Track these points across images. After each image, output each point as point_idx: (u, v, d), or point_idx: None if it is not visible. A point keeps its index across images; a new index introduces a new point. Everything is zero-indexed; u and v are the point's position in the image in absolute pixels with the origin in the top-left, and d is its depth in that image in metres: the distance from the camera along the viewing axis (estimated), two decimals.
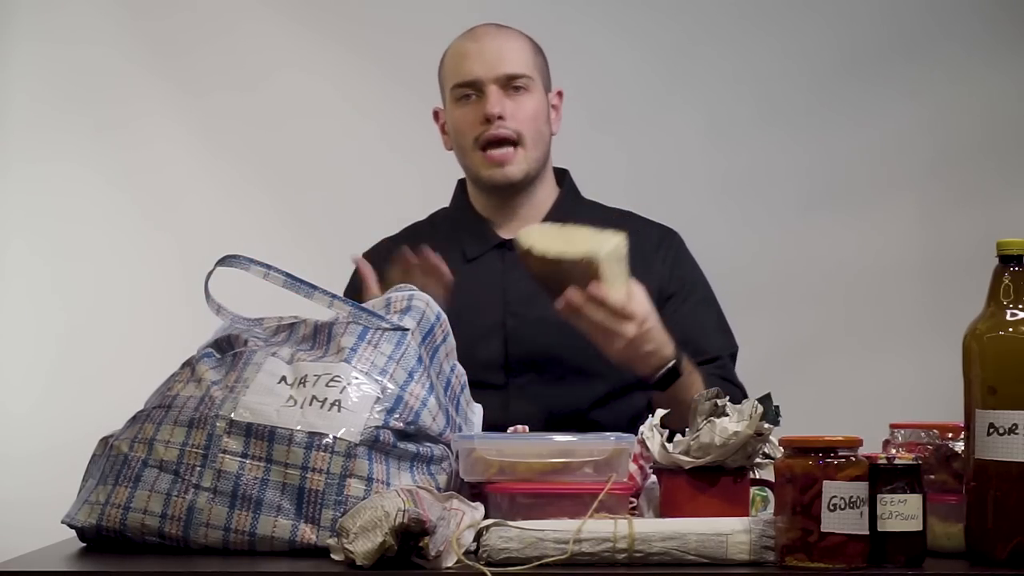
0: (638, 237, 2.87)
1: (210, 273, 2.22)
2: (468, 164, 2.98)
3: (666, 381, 2.70)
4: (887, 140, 3.87)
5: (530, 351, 2.88)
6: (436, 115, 3.06)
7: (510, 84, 2.92)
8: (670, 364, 2.69)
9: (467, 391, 2.39)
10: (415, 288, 2.34)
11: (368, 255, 2.99)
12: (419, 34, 3.82)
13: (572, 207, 3.02)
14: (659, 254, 3.00)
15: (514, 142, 2.92)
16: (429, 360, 2.24)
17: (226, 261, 2.22)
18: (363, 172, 3.84)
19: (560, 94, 3.05)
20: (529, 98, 2.94)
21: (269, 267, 2.23)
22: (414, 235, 3.02)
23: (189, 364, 2.22)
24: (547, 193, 3.02)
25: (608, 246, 2.60)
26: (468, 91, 2.94)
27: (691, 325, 2.91)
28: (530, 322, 2.89)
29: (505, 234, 2.98)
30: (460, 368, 2.37)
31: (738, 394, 2.84)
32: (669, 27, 3.88)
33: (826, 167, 3.87)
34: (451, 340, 2.33)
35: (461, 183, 3.09)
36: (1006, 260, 2.02)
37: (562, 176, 3.08)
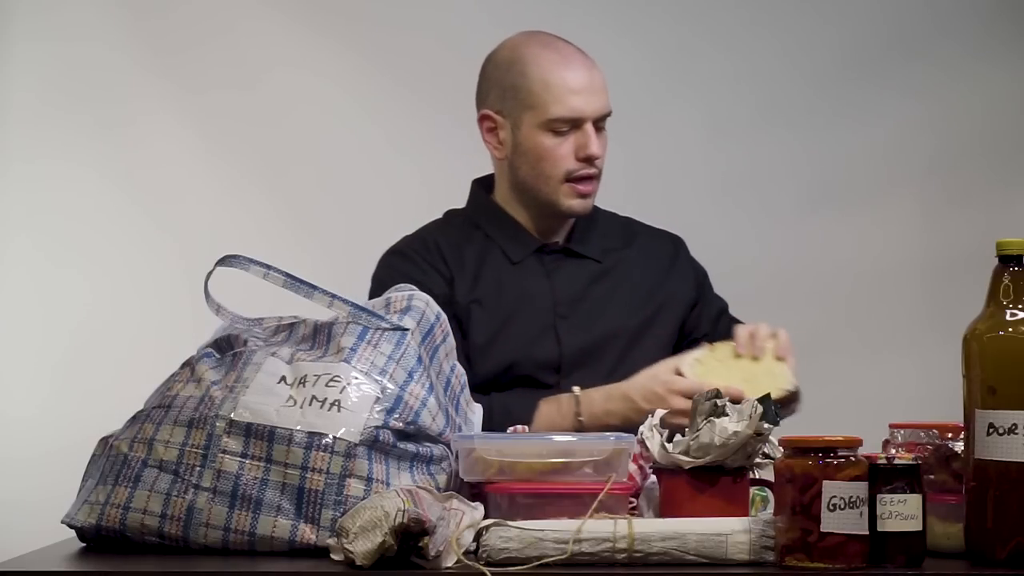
0: (652, 242, 3.06)
1: (210, 273, 2.22)
2: (545, 190, 2.95)
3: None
4: (887, 140, 3.87)
5: (581, 350, 2.92)
6: (485, 119, 2.99)
7: (600, 122, 2.94)
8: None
9: (467, 391, 2.39)
10: (414, 288, 2.34)
11: (415, 249, 2.98)
12: (420, 32, 3.82)
13: (594, 213, 3.04)
14: (680, 263, 3.07)
15: (599, 177, 2.96)
16: (429, 360, 2.24)
17: (226, 261, 2.22)
18: (364, 170, 3.84)
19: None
20: (605, 133, 2.97)
21: (269, 267, 2.23)
22: (451, 234, 3.01)
23: (189, 364, 2.22)
24: None
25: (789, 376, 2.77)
26: (566, 126, 2.91)
27: (722, 309, 3.09)
28: (580, 323, 2.93)
29: (544, 239, 3.00)
30: (460, 368, 2.37)
31: None
32: (669, 26, 3.88)
33: (826, 167, 3.87)
34: (451, 340, 2.33)
35: (480, 184, 3.07)
36: (1006, 260, 2.02)
37: None
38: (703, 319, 3.04)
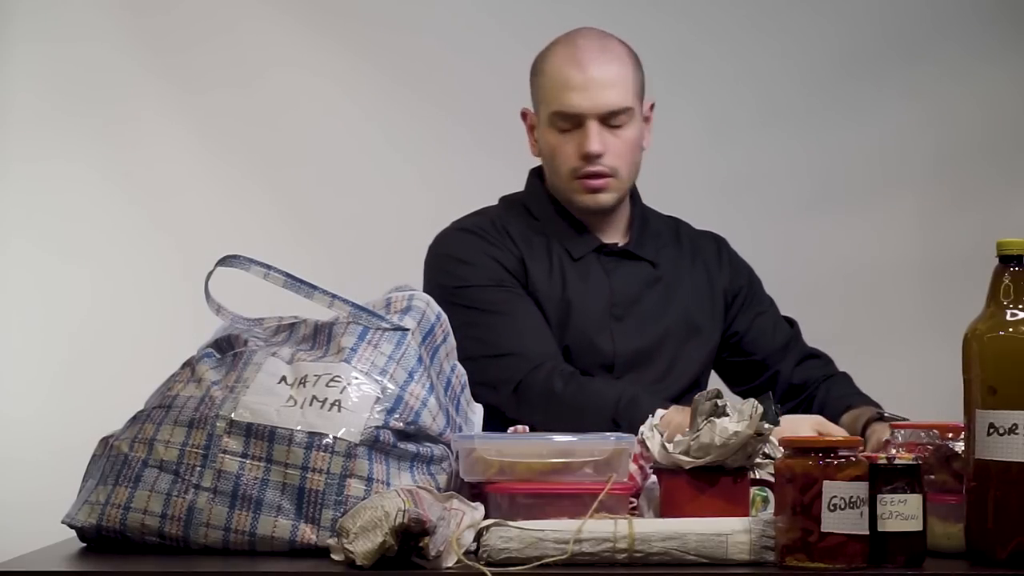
0: (702, 243, 3.08)
1: (210, 273, 2.22)
2: (561, 187, 2.95)
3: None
4: (887, 140, 3.87)
5: (635, 352, 2.91)
6: (524, 115, 3.00)
7: (610, 119, 2.89)
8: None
9: (467, 391, 2.39)
10: (414, 288, 2.34)
11: (483, 227, 2.96)
12: (420, 31, 3.82)
13: (647, 212, 3.05)
14: (719, 255, 3.07)
15: (610, 175, 2.91)
16: (429, 360, 2.24)
17: (226, 261, 2.22)
18: (364, 169, 3.84)
19: (652, 106, 3.01)
20: (628, 129, 2.91)
21: (269, 267, 2.23)
22: (516, 222, 2.97)
23: (189, 364, 2.22)
24: (627, 198, 3.02)
25: None
26: (567, 123, 2.90)
27: (780, 323, 3.09)
28: (635, 322, 2.93)
29: (604, 238, 2.98)
30: (461, 368, 2.37)
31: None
32: (669, 27, 3.88)
33: (826, 167, 3.87)
34: (451, 340, 2.33)
35: (536, 175, 3.03)
36: (1006, 260, 2.02)
37: None
38: (764, 334, 3.04)
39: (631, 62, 2.95)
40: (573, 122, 2.89)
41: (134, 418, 2.18)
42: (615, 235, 2.99)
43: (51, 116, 3.81)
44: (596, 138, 2.87)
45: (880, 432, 2.52)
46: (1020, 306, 2.00)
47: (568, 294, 2.89)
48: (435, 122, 3.71)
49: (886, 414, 2.68)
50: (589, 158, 2.88)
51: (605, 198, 2.92)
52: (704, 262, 3.04)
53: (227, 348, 2.25)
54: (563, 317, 2.85)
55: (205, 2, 3.86)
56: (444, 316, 2.31)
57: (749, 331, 3.03)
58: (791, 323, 3.09)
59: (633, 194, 3.04)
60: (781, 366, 3.00)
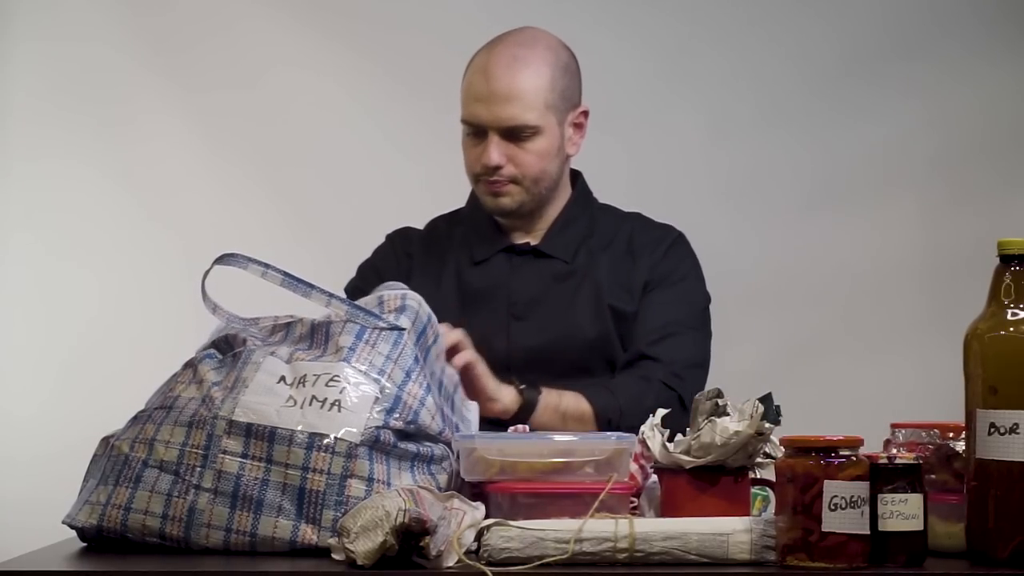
0: (640, 235, 3.01)
1: (207, 272, 2.22)
2: (474, 189, 3.00)
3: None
4: (888, 140, 3.86)
5: (532, 347, 2.89)
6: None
7: (514, 133, 2.89)
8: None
9: (460, 391, 2.40)
10: (406, 287, 2.34)
11: (393, 236, 3.06)
12: (420, 31, 3.82)
13: (580, 211, 3.03)
14: (651, 251, 3.01)
15: (511, 182, 2.92)
16: (424, 360, 2.24)
17: (224, 260, 2.22)
18: (364, 168, 3.84)
19: (586, 113, 3.01)
20: (535, 142, 2.91)
21: (267, 266, 2.23)
22: (433, 230, 3.07)
23: (191, 365, 2.22)
24: (559, 201, 3.02)
25: None
26: (472, 131, 2.92)
27: (645, 313, 2.94)
28: (533, 323, 2.92)
29: (517, 240, 3.00)
30: (451, 369, 2.38)
31: (660, 391, 2.85)
32: (670, 26, 3.88)
33: (827, 167, 3.87)
34: (441, 342, 2.34)
35: None
36: (1007, 260, 2.02)
37: (576, 176, 3.08)
38: (642, 308, 2.94)
39: (549, 73, 2.92)
40: (477, 131, 2.91)
41: (135, 418, 2.18)
42: (534, 236, 3.00)
43: (52, 115, 3.81)
44: (495, 152, 2.89)
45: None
46: (1021, 306, 2.00)
47: (462, 297, 2.90)
48: (435, 122, 3.70)
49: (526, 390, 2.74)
50: (487, 169, 2.90)
51: (506, 202, 2.93)
52: (640, 253, 2.98)
53: (227, 349, 2.25)
54: (455, 322, 2.83)
55: (205, 2, 3.86)
56: (434, 317, 2.31)
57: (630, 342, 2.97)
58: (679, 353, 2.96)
59: (577, 191, 3.04)
60: (629, 347, 2.93)
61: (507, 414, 2.71)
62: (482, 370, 2.65)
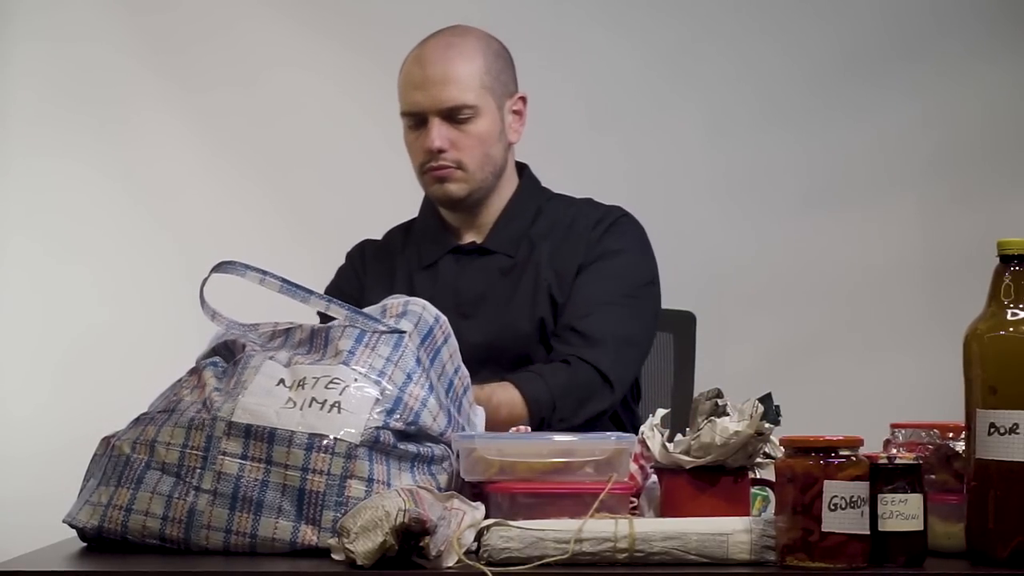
0: (582, 219, 3.00)
1: (205, 280, 2.22)
2: (420, 184, 3.03)
3: None
4: (888, 139, 3.87)
5: (482, 347, 2.86)
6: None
7: (454, 114, 2.94)
8: None
9: (470, 393, 2.39)
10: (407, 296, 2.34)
11: (350, 253, 3.11)
12: (420, 31, 3.81)
13: (526, 203, 3.04)
14: (592, 229, 3.00)
15: (455, 168, 2.95)
16: (430, 362, 2.23)
17: (221, 267, 2.21)
18: (364, 169, 3.85)
19: (524, 99, 3.04)
20: (476, 124, 2.95)
21: (265, 272, 2.22)
22: (388, 241, 3.12)
23: (196, 371, 2.22)
24: (504, 194, 3.04)
25: None
26: (413, 121, 2.96)
27: (576, 291, 2.93)
28: (478, 321, 2.92)
29: (467, 238, 3.03)
30: (464, 370, 2.37)
31: (586, 377, 2.84)
32: (670, 26, 3.88)
33: (827, 166, 3.87)
34: (453, 341, 2.32)
35: None
36: (1007, 260, 2.02)
37: (522, 171, 3.09)
38: (568, 305, 2.92)
39: (482, 59, 2.97)
40: (418, 120, 2.95)
41: (137, 420, 2.18)
42: (480, 232, 3.02)
43: (52, 114, 3.82)
44: (436, 134, 2.92)
45: None
46: (1021, 306, 2.00)
47: None
48: None
49: None
50: (431, 154, 2.93)
51: (453, 188, 2.96)
52: (579, 236, 2.97)
53: (229, 357, 2.25)
54: None
55: (205, 2, 3.86)
56: (444, 318, 2.30)
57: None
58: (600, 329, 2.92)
59: (523, 183, 3.05)
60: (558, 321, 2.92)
61: None
62: None
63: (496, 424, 2.59)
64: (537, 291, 2.94)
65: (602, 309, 2.91)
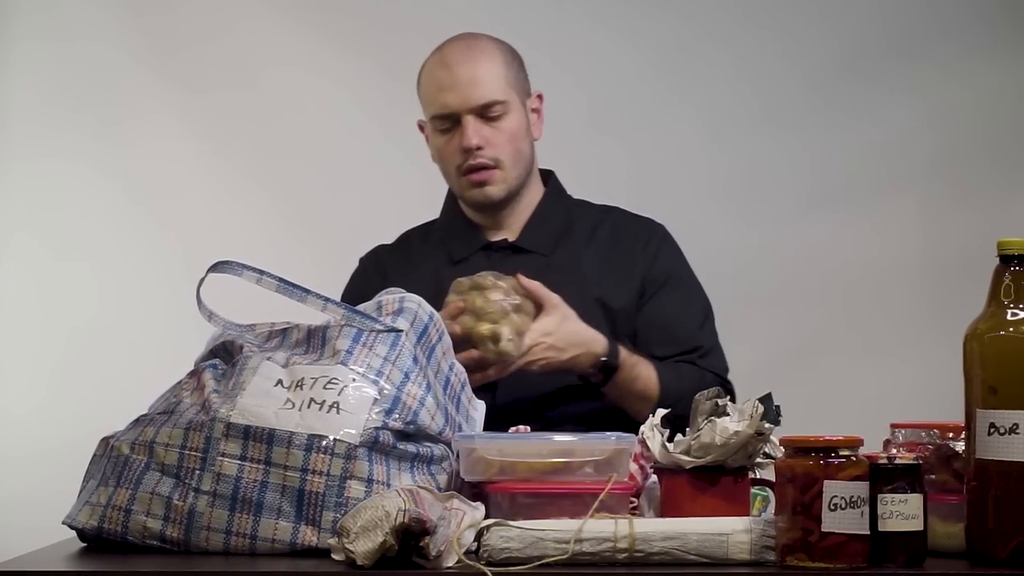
0: (622, 231, 3.06)
1: (202, 280, 2.22)
2: (454, 187, 3.05)
3: (604, 377, 2.86)
4: (887, 139, 3.86)
5: None
6: (421, 127, 3.10)
7: (486, 112, 2.97)
8: (602, 360, 2.84)
9: (468, 388, 2.39)
10: (404, 291, 2.34)
11: (364, 260, 3.11)
12: (421, 31, 3.81)
13: (556, 206, 3.08)
14: (642, 247, 3.05)
15: (494, 167, 2.98)
16: (426, 360, 2.24)
17: (218, 267, 2.21)
18: (365, 169, 3.84)
19: (540, 97, 3.08)
20: (506, 121, 2.98)
21: (262, 272, 2.22)
22: (404, 242, 3.13)
23: (195, 374, 2.22)
24: (533, 196, 3.08)
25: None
26: (446, 123, 2.99)
27: (666, 315, 3.01)
28: None
29: (493, 237, 3.05)
30: (459, 366, 2.38)
31: (712, 382, 2.84)
32: (670, 26, 3.88)
33: (827, 166, 3.87)
34: (447, 339, 2.33)
35: (451, 191, 3.13)
36: (1006, 260, 2.02)
37: (548, 176, 3.13)
38: (650, 312, 3.01)
39: (502, 58, 3.02)
40: (451, 121, 2.98)
41: (136, 421, 2.18)
42: (511, 232, 3.04)
43: (52, 114, 3.81)
44: (472, 131, 2.96)
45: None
46: (1021, 306, 2.00)
47: (441, 297, 2.87)
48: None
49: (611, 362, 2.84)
50: (469, 152, 2.96)
51: (493, 190, 2.99)
52: (628, 248, 3.03)
53: (228, 359, 2.25)
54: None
55: (205, 2, 3.86)
56: (437, 316, 2.31)
57: (642, 314, 3.01)
58: (708, 339, 3.04)
59: (551, 187, 3.08)
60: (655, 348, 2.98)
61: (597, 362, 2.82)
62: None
63: (629, 397, 2.84)
64: (584, 295, 2.94)
65: (693, 325, 3.02)
